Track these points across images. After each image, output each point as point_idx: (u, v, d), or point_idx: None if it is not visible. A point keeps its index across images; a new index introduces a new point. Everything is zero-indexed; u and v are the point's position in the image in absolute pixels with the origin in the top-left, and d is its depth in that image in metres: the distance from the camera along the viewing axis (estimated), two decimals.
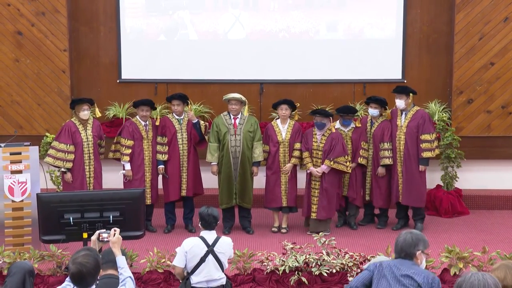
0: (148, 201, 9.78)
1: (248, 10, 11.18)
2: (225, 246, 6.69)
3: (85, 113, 9.55)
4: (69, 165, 9.51)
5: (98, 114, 9.93)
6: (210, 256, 6.56)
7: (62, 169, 9.54)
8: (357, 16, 11.09)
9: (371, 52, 11.12)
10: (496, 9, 10.70)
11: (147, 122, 9.86)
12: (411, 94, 9.67)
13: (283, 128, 9.81)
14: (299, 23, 11.13)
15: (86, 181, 9.62)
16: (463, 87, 10.87)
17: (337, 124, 9.95)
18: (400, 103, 9.71)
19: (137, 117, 9.89)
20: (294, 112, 9.96)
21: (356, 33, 11.14)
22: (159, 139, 9.85)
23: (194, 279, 6.57)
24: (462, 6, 10.71)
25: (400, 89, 9.77)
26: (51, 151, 9.55)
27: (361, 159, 9.86)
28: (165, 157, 9.84)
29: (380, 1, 11.06)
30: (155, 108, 10.07)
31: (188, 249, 6.55)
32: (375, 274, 5.37)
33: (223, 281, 6.70)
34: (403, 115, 9.76)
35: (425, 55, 11.16)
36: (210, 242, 6.59)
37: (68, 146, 9.49)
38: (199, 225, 6.73)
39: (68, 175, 9.55)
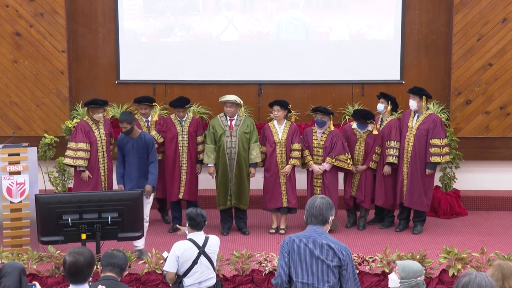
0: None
1: (246, 12, 11.18)
2: (215, 245, 6.69)
3: (99, 115, 9.70)
4: (86, 163, 9.61)
5: (110, 114, 10.26)
6: (202, 257, 6.55)
7: (81, 168, 9.59)
8: (356, 17, 11.09)
9: (370, 53, 11.13)
10: (495, 10, 10.71)
11: (149, 119, 10.01)
12: (424, 97, 9.65)
13: (279, 129, 9.82)
14: (297, 25, 11.14)
15: (101, 179, 9.75)
16: (461, 88, 10.88)
17: (354, 124, 9.97)
18: (412, 103, 9.69)
19: (139, 114, 10.06)
20: (290, 114, 9.97)
21: (355, 34, 11.14)
22: (154, 133, 9.85)
23: (187, 281, 6.54)
24: (460, 7, 10.72)
25: (415, 90, 9.73)
26: (68, 152, 9.58)
27: (372, 163, 9.87)
28: (160, 139, 9.85)
29: (378, 2, 11.07)
30: (153, 103, 10.10)
31: (180, 253, 6.49)
32: (291, 255, 5.35)
33: (214, 280, 6.70)
34: (415, 117, 9.73)
35: (423, 56, 11.17)
36: (201, 243, 6.57)
37: (87, 144, 9.60)
38: (187, 226, 6.68)
39: (86, 173, 9.63)
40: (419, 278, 5.46)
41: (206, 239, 6.61)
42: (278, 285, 5.39)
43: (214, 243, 6.67)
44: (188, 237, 6.63)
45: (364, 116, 9.76)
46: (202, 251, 6.55)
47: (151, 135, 9.43)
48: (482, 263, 7.76)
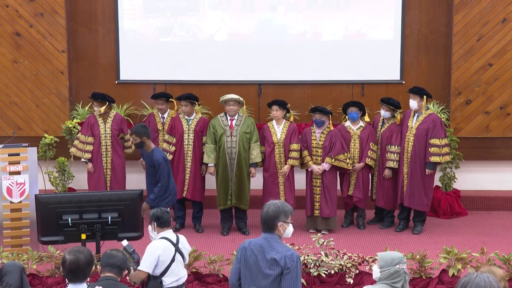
0: None
1: (246, 11, 11.18)
2: (185, 241, 6.71)
3: (95, 110, 9.96)
4: (88, 155, 9.92)
5: (116, 110, 10.43)
6: (177, 255, 6.53)
7: (83, 159, 9.99)
8: (356, 17, 11.09)
9: (370, 53, 11.12)
10: (494, 10, 10.71)
11: (165, 115, 10.18)
12: (425, 97, 9.66)
13: (278, 129, 9.82)
14: (297, 24, 11.13)
15: (103, 173, 9.93)
16: (461, 88, 10.88)
17: (347, 122, 9.98)
18: (413, 103, 9.70)
19: (156, 109, 10.32)
20: (289, 114, 9.97)
21: (355, 34, 11.14)
22: (167, 137, 9.95)
23: (166, 280, 6.49)
24: (460, 7, 10.72)
25: (416, 89, 9.74)
26: (75, 142, 10.05)
27: (369, 159, 9.88)
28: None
29: (378, 2, 11.06)
30: (170, 99, 10.24)
31: (161, 252, 6.42)
32: (242, 265, 5.43)
33: (186, 276, 6.70)
34: (415, 117, 9.74)
35: (423, 56, 11.17)
36: (174, 241, 6.56)
37: (86, 137, 9.91)
38: (155, 226, 6.64)
39: (89, 165, 9.94)
40: (397, 266, 5.46)
41: (177, 236, 6.62)
42: (231, 284, 5.56)
43: (184, 240, 6.69)
44: (161, 236, 6.58)
45: (355, 104, 9.88)
46: (177, 248, 6.53)
47: (163, 153, 8.94)
48: (482, 263, 7.76)
